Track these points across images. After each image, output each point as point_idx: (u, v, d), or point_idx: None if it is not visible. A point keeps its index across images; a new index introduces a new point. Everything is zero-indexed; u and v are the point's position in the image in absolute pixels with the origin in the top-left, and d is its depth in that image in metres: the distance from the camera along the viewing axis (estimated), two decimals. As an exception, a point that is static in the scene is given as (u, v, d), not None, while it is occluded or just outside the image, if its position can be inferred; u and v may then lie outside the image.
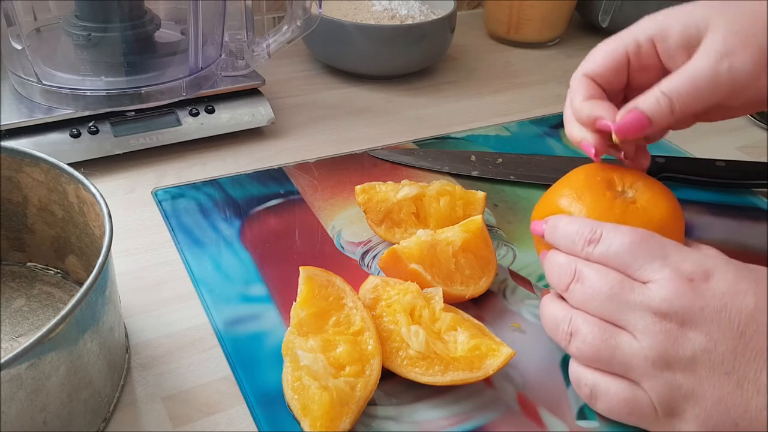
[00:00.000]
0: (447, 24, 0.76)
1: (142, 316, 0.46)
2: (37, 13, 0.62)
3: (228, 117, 0.63)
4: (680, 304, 0.35)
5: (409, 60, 0.76)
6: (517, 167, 0.61)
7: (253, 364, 0.42)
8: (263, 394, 0.40)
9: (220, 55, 0.64)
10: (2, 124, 0.56)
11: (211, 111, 0.62)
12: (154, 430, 0.39)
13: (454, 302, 0.45)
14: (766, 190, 0.60)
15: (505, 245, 0.53)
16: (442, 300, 0.43)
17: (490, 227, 0.55)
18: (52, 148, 0.56)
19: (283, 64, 0.79)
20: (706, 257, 0.36)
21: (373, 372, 0.39)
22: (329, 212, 0.55)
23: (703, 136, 0.69)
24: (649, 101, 0.40)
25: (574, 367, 0.39)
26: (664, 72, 0.42)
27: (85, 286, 0.34)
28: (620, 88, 0.45)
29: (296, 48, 0.79)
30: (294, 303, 0.42)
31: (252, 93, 0.65)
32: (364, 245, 0.52)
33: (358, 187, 0.52)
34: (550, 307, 0.40)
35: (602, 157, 0.45)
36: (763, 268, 0.36)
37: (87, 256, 0.45)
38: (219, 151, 0.63)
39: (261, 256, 0.50)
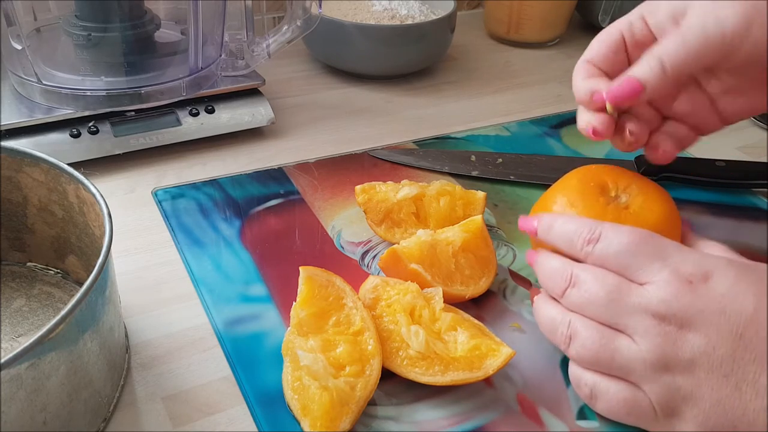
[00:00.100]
0: (447, 24, 0.76)
1: (142, 316, 0.46)
2: (37, 13, 0.62)
3: (228, 117, 0.63)
4: (679, 307, 0.34)
5: (409, 60, 0.76)
6: (517, 167, 0.61)
7: (253, 364, 0.42)
8: (263, 394, 0.40)
9: (220, 55, 0.64)
10: (2, 124, 0.56)
11: (211, 111, 0.62)
12: (154, 430, 0.39)
13: (454, 302, 0.45)
14: (766, 190, 0.60)
15: (505, 245, 0.53)
16: (442, 300, 0.43)
17: (490, 227, 0.55)
18: (52, 148, 0.56)
19: (283, 64, 0.79)
20: (707, 258, 0.36)
21: (373, 372, 0.39)
22: (329, 212, 0.55)
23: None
24: (640, 66, 0.40)
25: (573, 367, 0.39)
26: None
27: (85, 286, 0.34)
28: (622, 70, 0.44)
29: (296, 48, 0.79)
30: (294, 303, 0.42)
31: (252, 93, 0.65)
32: (364, 245, 0.52)
33: (358, 187, 0.52)
34: (545, 308, 0.40)
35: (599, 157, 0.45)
36: (764, 266, 0.36)
37: (87, 256, 0.45)
38: (219, 151, 0.63)
39: (261, 256, 0.50)
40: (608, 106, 0.41)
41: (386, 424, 0.39)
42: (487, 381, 0.42)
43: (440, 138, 0.67)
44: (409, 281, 0.44)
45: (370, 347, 0.40)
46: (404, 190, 0.52)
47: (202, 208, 0.55)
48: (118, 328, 0.41)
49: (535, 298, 0.42)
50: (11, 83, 0.60)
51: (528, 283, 0.49)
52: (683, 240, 0.42)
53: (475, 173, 0.60)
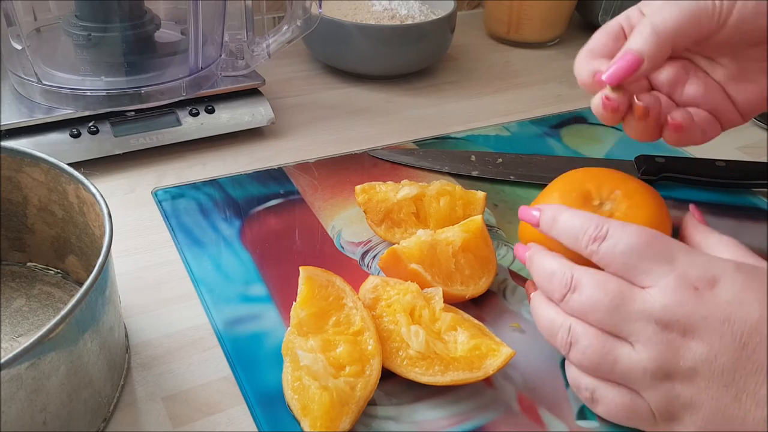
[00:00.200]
0: (447, 24, 0.76)
1: (142, 316, 0.46)
2: (37, 13, 0.62)
3: (228, 117, 0.63)
4: (682, 314, 0.34)
5: (409, 60, 0.76)
6: (517, 167, 0.61)
7: (253, 364, 0.42)
8: (263, 394, 0.40)
9: (220, 55, 0.64)
10: (2, 124, 0.56)
11: (211, 111, 0.62)
12: (154, 430, 0.39)
13: (454, 302, 0.45)
14: (766, 190, 0.60)
15: (505, 245, 0.53)
16: (442, 300, 0.43)
17: (490, 227, 0.55)
18: (52, 148, 0.56)
19: (283, 64, 0.79)
20: (715, 262, 0.35)
21: (373, 372, 0.39)
22: (329, 212, 0.55)
23: (703, 136, 0.69)
24: (632, 37, 0.40)
25: (572, 371, 0.39)
26: None
27: (85, 286, 0.34)
28: None
29: (296, 48, 0.79)
30: (294, 303, 0.42)
31: (252, 93, 0.65)
32: (364, 245, 0.52)
33: (358, 187, 0.52)
34: (544, 309, 0.39)
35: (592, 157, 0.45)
36: None
37: (87, 256, 0.45)
38: (219, 151, 0.63)
39: (261, 256, 0.50)
40: (608, 90, 0.41)
41: (386, 424, 0.39)
42: (487, 381, 0.42)
43: (440, 138, 0.67)
44: (409, 281, 0.44)
45: (370, 347, 0.40)
46: (404, 190, 0.52)
47: (202, 208, 0.55)
48: (118, 328, 0.41)
49: (532, 295, 0.41)
50: (11, 83, 0.60)
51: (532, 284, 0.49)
52: (696, 233, 0.41)
53: (475, 173, 0.60)
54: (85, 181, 0.41)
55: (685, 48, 0.41)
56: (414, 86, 0.77)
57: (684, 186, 0.60)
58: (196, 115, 0.62)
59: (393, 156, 0.62)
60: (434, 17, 0.76)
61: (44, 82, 0.58)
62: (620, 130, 0.67)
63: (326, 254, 0.51)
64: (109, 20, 0.58)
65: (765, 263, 0.36)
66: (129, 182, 0.58)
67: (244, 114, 0.64)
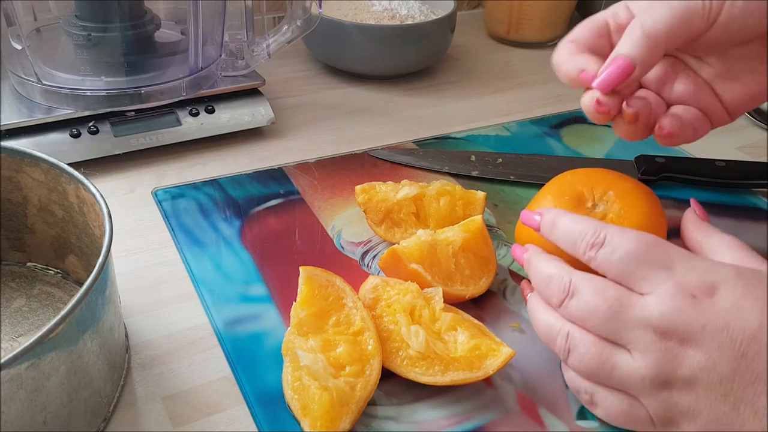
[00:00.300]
0: (447, 24, 0.76)
1: (142, 316, 0.46)
2: (37, 13, 0.62)
3: (228, 117, 0.63)
4: (681, 322, 0.33)
5: (409, 60, 0.76)
6: (517, 167, 0.61)
7: (253, 364, 0.42)
8: (263, 394, 0.40)
9: (220, 55, 0.64)
10: (2, 124, 0.56)
11: (211, 111, 0.62)
12: (154, 430, 0.39)
13: (454, 302, 0.45)
14: (766, 190, 0.60)
15: (505, 245, 0.53)
16: (442, 300, 0.43)
17: (490, 227, 0.55)
18: (52, 148, 0.56)
19: (283, 64, 0.79)
20: (714, 268, 0.35)
21: (373, 372, 0.39)
22: (329, 212, 0.55)
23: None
24: (621, 41, 0.39)
25: (571, 374, 0.39)
26: None
27: (85, 286, 0.34)
28: (605, 54, 0.42)
29: (296, 48, 0.79)
30: (294, 303, 0.42)
31: (252, 93, 0.65)
32: (364, 245, 0.52)
33: (358, 187, 0.52)
34: (541, 313, 0.39)
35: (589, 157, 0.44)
36: None
37: (87, 256, 0.45)
38: (219, 151, 0.63)
39: (261, 256, 0.50)
40: (599, 93, 0.40)
41: (386, 424, 0.39)
42: (487, 381, 0.42)
43: (440, 138, 0.67)
44: (409, 281, 0.44)
45: (370, 347, 0.40)
46: (404, 190, 0.52)
47: (202, 208, 0.55)
48: (118, 328, 0.41)
49: (529, 297, 0.41)
50: (11, 83, 0.60)
51: (528, 284, 0.49)
52: (697, 232, 0.41)
53: (475, 173, 0.60)
54: (85, 181, 0.41)
55: (675, 48, 0.41)
56: (414, 86, 0.77)
57: (684, 186, 0.60)
58: (196, 115, 0.62)
59: (393, 156, 0.62)
60: (434, 17, 0.76)
61: (44, 82, 0.58)
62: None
63: (326, 254, 0.51)
64: (109, 20, 0.58)
65: (766, 266, 0.36)
66: (129, 182, 0.58)
67: (244, 114, 0.64)
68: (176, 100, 0.61)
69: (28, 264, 0.49)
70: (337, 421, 0.37)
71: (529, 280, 0.42)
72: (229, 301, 0.47)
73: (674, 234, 0.44)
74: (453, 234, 0.48)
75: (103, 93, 0.58)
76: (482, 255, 0.48)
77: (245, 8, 0.62)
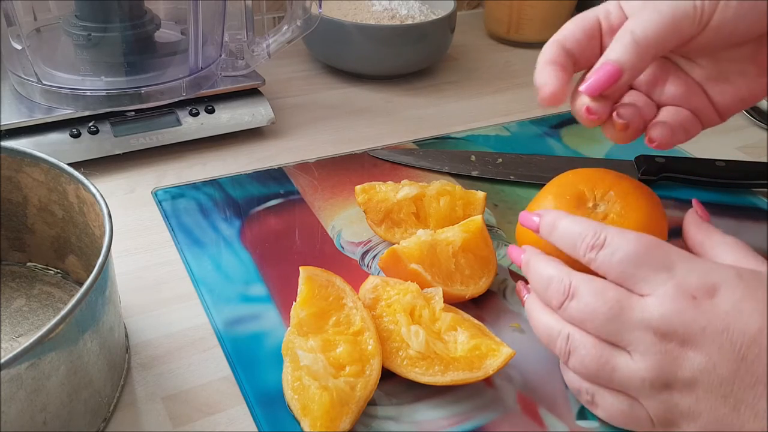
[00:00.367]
0: (447, 24, 0.76)
1: (142, 316, 0.46)
2: (37, 13, 0.62)
3: (228, 117, 0.63)
4: (681, 324, 0.33)
5: (409, 60, 0.76)
6: (517, 167, 0.61)
7: (253, 364, 0.42)
8: (263, 394, 0.40)
9: (220, 55, 0.64)
10: (2, 124, 0.56)
11: (211, 111, 0.62)
12: (154, 430, 0.39)
13: (454, 302, 0.45)
14: (766, 190, 0.60)
15: (505, 245, 0.53)
16: (442, 300, 0.43)
17: (490, 227, 0.55)
18: (52, 148, 0.56)
19: (283, 64, 0.79)
20: (715, 269, 0.34)
21: (373, 372, 0.39)
22: (329, 212, 0.55)
23: (703, 136, 0.68)
24: (611, 47, 0.39)
25: (571, 375, 0.39)
26: None
27: (85, 286, 0.34)
28: (595, 55, 0.42)
29: (296, 48, 0.79)
30: (294, 303, 0.42)
31: (252, 93, 0.65)
32: (364, 245, 0.52)
33: (358, 187, 0.52)
34: (540, 315, 0.39)
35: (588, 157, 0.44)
36: None
37: (87, 256, 0.45)
38: (219, 151, 0.63)
39: (261, 256, 0.50)
40: (589, 99, 0.40)
41: (386, 424, 0.39)
42: (487, 381, 0.42)
43: (440, 138, 0.67)
44: (409, 281, 0.44)
45: (370, 347, 0.40)
46: (404, 190, 0.52)
47: (202, 208, 0.55)
48: (118, 328, 0.41)
49: (527, 299, 0.41)
50: (11, 83, 0.60)
51: (528, 284, 0.49)
52: (698, 233, 0.40)
53: (475, 173, 0.60)
54: (85, 181, 0.41)
55: (666, 52, 0.41)
56: (414, 86, 0.77)
57: (684, 186, 0.60)
58: (196, 115, 0.62)
59: (393, 156, 0.62)
60: (434, 17, 0.76)
61: (44, 82, 0.58)
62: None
63: (326, 254, 0.51)
64: (109, 20, 0.58)
65: (766, 267, 0.36)
66: (129, 182, 0.58)
67: (244, 114, 0.64)
68: (176, 100, 0.61)
69: (28, 264, 0.49)
70: (337, 421, 0.37)
71: (525, 281, 0.42)
72: (229, 301, 0.47)
73: (675, 234, 0.44)
74: (453, 234, 0.48)
75: (103, 93, 0.58)
76: (482, 255, 0.48)
77: (245, 8, 0.62)
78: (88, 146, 0.58)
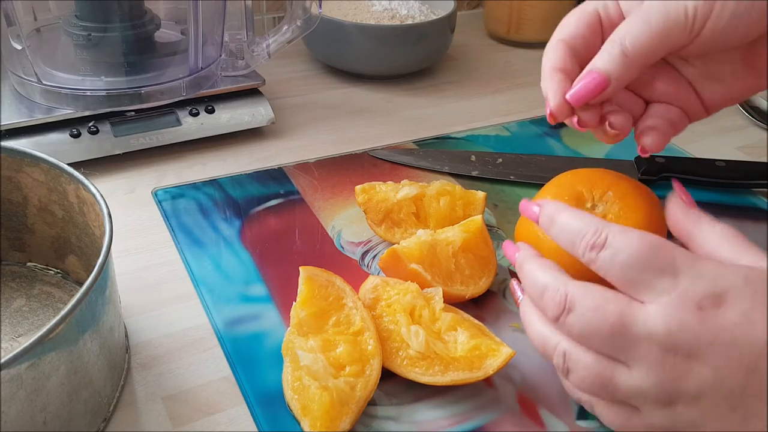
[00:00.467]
0: (447, 24, 0.76)
1: (142, 316, 0.46)
2: (37, 13, 0.62)
3: (228, 117, 0.63)
4: (686, 338, 0.31)
5: (409, 60, 0.76)
6: (517, 167, 0.61)
7: (253, 364, 0.42)
8: (263, 394, 0.40)
9: (220, 55, 0.64)
10: (2, 124, 0.56)
11: (211, 111, 0.62)
12: (154, 430, 0.39)
13: (454, 302, 0.45)
14: (766, 190, 0.60)
15: (505, 245, 0.53)
16: (442, 300, 0.43)
17: (490, 227, 0.55)
18: (52, 148, 0.56)
19: (283, 64, 0.79)
20: (723, 274, 0.32)
21: (373, 372, 0.39)
22: (329, 212, 0.55)
23: (703, 136, 0.69)
24: (600, 55, 0.38)
25: (568, 385, 0.37)
26: None
27: (85, 286, 0.34)
28: (597, 52, 0.41)
29: (296, 48, 0.79)
30: (294, 303, 0.42)
31: (252, 93, 0.65)
32: (364, 245, 0.52)
33: (358, 187, 0.52)
34: (536, 324, 0.37)
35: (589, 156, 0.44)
36: None
37: (87, 256, 0.45)
38: (219, 151, 0.63)
39: (261, 256, 0.50)
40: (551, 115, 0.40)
41: (386, 424, 0.39)
42: (487, 381, 0.42)
43: (440, 138, 0.67)
44: (409, 281, 0.44)
45: (370, 347, 0.40)
46: (404, 190, 0.52)
47: (202, 208, 0.55)
48: (118, 328, 0.41)
49: (521, 302, 0.39)
50: (11, 83, 0.60)
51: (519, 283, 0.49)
52: (686, 221, 0.38)
53: (475, 173, 0.60)
54: (85, 181, 0.41)
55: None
56: (414, 86, 0.77)
57: (684, 186, 0.60)
58: (196, 115, 0.62)
59: (393, 156, 0.62)
60: (434, 17, 0.76)
61: (44, 82, 0.58)
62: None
63: (326, 254, 0.51)
64: (109, 20, 0.58)
65: (765, 257, 0.34)
66: (129, 182, 0.58)
67: (244, 114, 0.64)
68: (176, 100, 0.61)
69: (28, 264, 0.49)
70: (337, 421, 0.37)
71: (518, 280, 0.40)
72: (229, 301, 0.47)
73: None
74: (453, 234, 0.48)
75: (103, 93, 0.58)
76: (482, 255, 0.48)
77: (245, 8, 0.62)
78: (88, 146, 0.58)
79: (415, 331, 0.41)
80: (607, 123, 0.40)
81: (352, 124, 0.69)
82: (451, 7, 0.77)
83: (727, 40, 0.38)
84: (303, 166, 0.61)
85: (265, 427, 0.39)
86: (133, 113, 0.60)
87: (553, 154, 0.65)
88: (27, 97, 0.59)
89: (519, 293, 0.40)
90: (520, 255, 0.39)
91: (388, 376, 0.41)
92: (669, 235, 0.43)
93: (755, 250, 0.35)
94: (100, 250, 0.36)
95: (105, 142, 0.58)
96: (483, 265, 0.48)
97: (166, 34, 0.64)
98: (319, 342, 0.40)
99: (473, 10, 1.00)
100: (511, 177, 0.60)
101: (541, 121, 0.71)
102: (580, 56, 0.41)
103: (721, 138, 0.70)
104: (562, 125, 0.70)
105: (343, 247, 0.52)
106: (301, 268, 0.43)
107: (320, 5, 0.65)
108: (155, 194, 0.57)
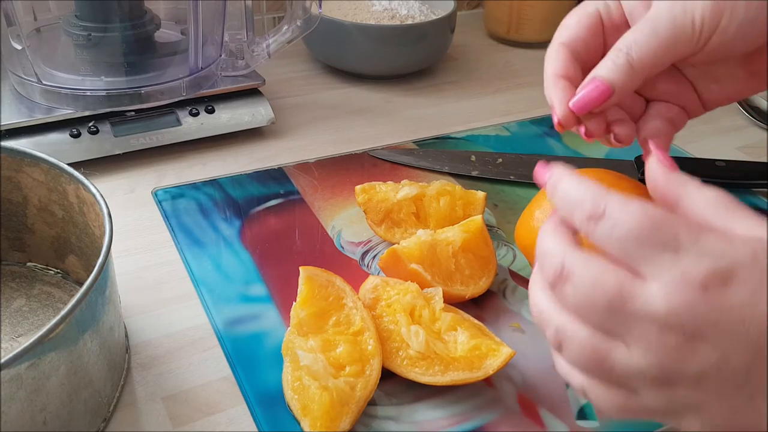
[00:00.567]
0: (447, 24, 0.76)
1: (142, 316, 0.46)
2: (37, 13, 0.62)
3: (228, 117, 0.63)
4: (690, 318, 0.30)
5: (409, 60, 0.76)
6: (517, 167, 0.61)
7: (253, 364, 0.42)
8: (263, 394, 0.40)
9: (220, 55, 0.64)
10: (2, 124, 0.56)
11: (211, 111, 0.62)
12: (154, 430, 0.39)
13: (454, 302, 0.45)
14: (766, 190, 0.60)
15: (505, 245, 0.53)
16: (442, 300, 0.43)
17: (490, 227, 0.55)
18: (52, 148, 0.56)
19: (283, 64, 0.79)
20: (729, 249, 0.30)
21: (373, 372, 0.39)
22: (329, 212, 0.55)
23: (703, 136, 0.69)
24: (604, 64, 0.38)
25: (562, 365, 0.35)
26: None
27: (85, 286, 0.34)
28: (600, 54, 0.41)
29: (296, 48, 0.79)
30: (294, 303, 0.42)
31: (252, 93, 0.65)
32: (364, 245, 0.52)
33: (358, 187, 0.52)
34: (537, 293, 0.35)
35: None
36: None
37: (87, 256, 0.45)
38: (219, 151, 0.63)
39: (261, 256, 0.50)
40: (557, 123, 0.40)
41: (386, 424, 0.39)
42: (487, 381, 0.42)
43: (440, 138, 0.67)
44: (409, 281, 0.44)
45: (370, 347, 0.40)
46: (404, 190, 0.52)
47: (202, 208, 0.55)
48: (118, 328, 0.41)
49: (532, 274, 0.37)
50: (11, 83, 0.60)
51: (528, 283, 0.49)
52: (671, 185, 0.36)
53: (475, 173, 0.60)
54: (85, 181, 0.41)
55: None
56: (414, 86, 0.77)
57: (684, 186, 0.60)
58: (196, 115, 0.62)
59: (393, 156, 0.62)
60: (434, 17, 0.76)
61: (44, 82, 0.58)
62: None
63: (326, 254, 0.51)
64: (109, 20, 0.58)
65: (762, 223, 0.32)
66: (129, 182, 0.58)
67: (244, 114, 0.64)
68: (176, 100, 0.61)
69: (28, 264, 0.49)
70: (337, 421, 0.37)
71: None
72: (229, 301, 0.47)
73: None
74: (453, 234, 0.48)
75: (103, 93, 0.58)
76: (482, 255, 0.48)
77: (245, 8, 0.62)
78: (88, 146, 0.58)
79: (415, 331, 0.41)
80: (612, 135, 0.40)
81: (352, 124, 0.69)
82: (451, 7, 0.77)
83: (733, 50, 0.38)
84: (303, 166, 0.61)
85: (265, 427, 0.39)
86: (133, 113, 0.60)
87: (553, 154, 0.65)
88: (27, 97, 0.59)
89: (546, 173, 0.38)
90: (553, 174, 0.37)
91: (388, 376, 0.41)
92: None
93: (750, 216, 0.32)
94: (100, 250, 0.36)
95: (105, 142, 0.58)
96: (483, 265, 0.48)
97: (166, 34, 0.64)
98: (319, 342, 0.40)
99: (473, 10, 1.00)
100: (511, 177, 0.60)
101: (541, 121, 0.71)
102: (582, 59, 0.41)
103: (721, 138, 0.70)
104: (562, 125, 0.70)
105: (343, 247, 0.52)
106: (301, 268, 0.43)
107: (320, 5, 0.65)
108: (155, 194, 0.57)
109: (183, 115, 0.61)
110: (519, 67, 0.83)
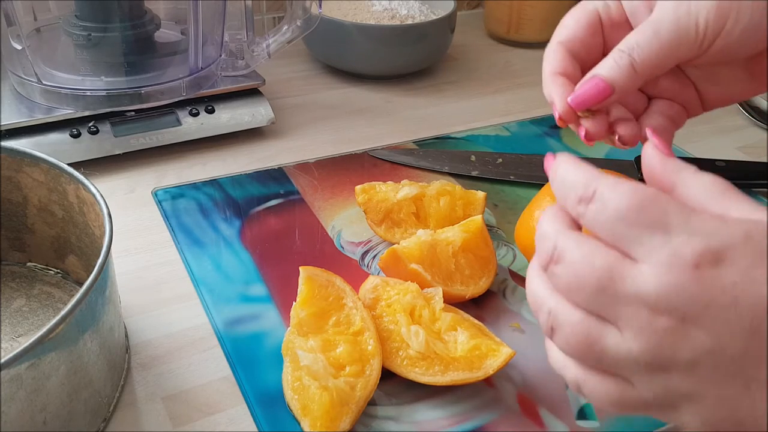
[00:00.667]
0: (447, 24, 0.76)
1: (142, 316, 0.46)
2: (37, 13, 0.62)
3: (228, 117, 0.63)
4: (681, 300, 0.29)
5: (409, 60, 0.76)
6: (517, 167, 0.61)
7: (253, 364, 0.42)
8: (263, 394, 0.40)
9: (220, 55, 0.64)
10: (2, 124, 0.56)
11: (211, 111, 0.62)
12: (154, 430, 0.39)
13: (454, 302, 0.45)
14: (766, 190, 0.60)
15: (505, 245, 0.53)
16: (442, 300, 0.43)
17: (490, 227, 0.55)
18: (52, 148, 0.56)
19: (283, 64, 0.79)
20: (721, 229, 0.30)
21: (373, 372, 0.39)
22: (329, 212, 0.55)
23: (703, 136, 0.69)
24: (606, 63, 0.38)
25: (555, 355, 0.34)
26: None
27: (85, 286, 0.34)
28: (599, 53, 0.41)
29: (296, 48, 0.79)
30: (294, 303, 0.42)
31: (252, 93, 0.65)
32: (364, 245, 0.52)
33: (358, 187, 0.52)
34: (533, 279, 0.35)
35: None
36: None
37: (87, 256, 0.45)
38: (219, 151, 0.63)
39: (261, 256, 0.50)
40: (559, 118, 0.40)
41: (386, 424, 0.39)
42: (487, 381, 0.42)
43: (440, 138, 0.67)
44: (409, 281, 0.44)
45: (370, 347, 0.40)
46: (404, 190, 0.52)
47: (202, 208, 0.55)
48: (118, 328, 0.41)
49: (531, 262, 0.36)
50: (11, 83, 0.60)
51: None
52: (668, 171, 0.34)
53: (475, 173, 0.60)
54: (85, 181, 0.41)
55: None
56: (414, 86, 0.77)
57: (684, 186, 0.60)
58: (196, 115, 0.62)
59: (393, 156, 0.62)
60: (434, 17, 0.76)
61: (44, 82, 0.58)
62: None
63: (326, 254, 0.51)
64: (109, 20, 0.58)
65: (761, 209, 0.31)
66: (129, 182, 0.58)
67: (244, 114, 0.64)
68: (176, 100, 0.61)
69: (28, 264, 0.49)
70: (337, 421, 0.37)
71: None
72: (229, 301, 0.47)
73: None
74: (453, 234, 0.48)
75: (103, 93, 0.58)
76: (482, 255, 0.48)
77: (245, 8, 0.62)
78: (88, 146, 0.58)
79: (415, 331, 0.41)
80: (616, 137, 0.40)
81: (352, 124, 0.69)
82: (451, 7, 0.77)
83: (737, 53, 0.38)
84: (303, 166, 0.61)
85: (265, 427, 0.39)
86: (133, 113, 0.60)
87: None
88: (27, 97, 0.59)
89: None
90: (556, 161, 0.36)
91: (388, 376, 0.41)
92: None
93: (746, 201, 0.32)
94: (100, 250, 0.36)
95: (105, 142, 0.58)
96: (483, 265, 0.48)
97: (166, 34, 0.64)
98: (319, 342, 0.40)
99: (473, 10, 1.00)
100: (511, 177, 0.60)
101: (541, 121, 0.71)
102: (580, 58, 0.41)
103: (721, 138, 0.70)
104: (562, 125, 0.70)
105: (343, 247, 0.52)
106: (301, 268, 0.43)
107: (320, 5, 0.65)
108: (155, 194, 0.57)
109: (183, 115, 0.61)
110: (519, 67, 0.83)
